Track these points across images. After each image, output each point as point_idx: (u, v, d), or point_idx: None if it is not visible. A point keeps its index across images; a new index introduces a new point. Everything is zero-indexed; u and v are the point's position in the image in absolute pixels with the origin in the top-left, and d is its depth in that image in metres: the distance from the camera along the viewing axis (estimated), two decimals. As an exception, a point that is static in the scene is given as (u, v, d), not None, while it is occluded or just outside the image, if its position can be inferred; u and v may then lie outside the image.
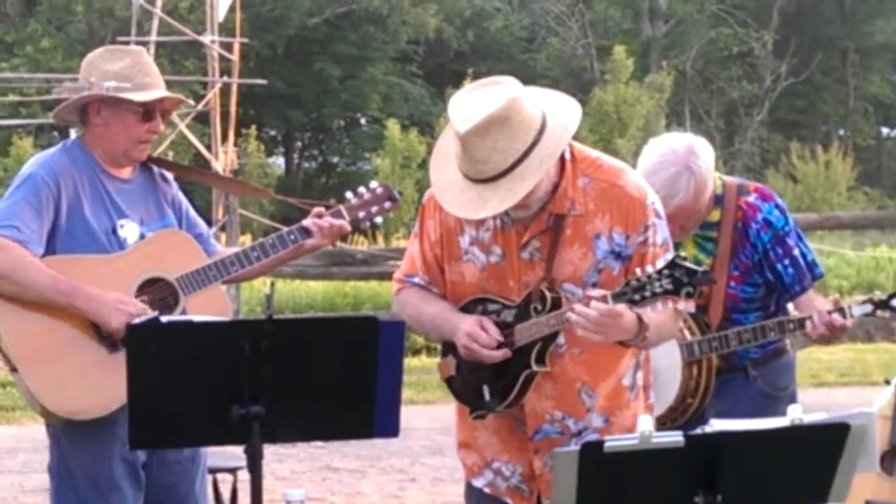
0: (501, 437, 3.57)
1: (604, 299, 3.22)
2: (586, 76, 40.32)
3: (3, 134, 31.52)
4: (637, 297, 3.21)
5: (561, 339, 3.43)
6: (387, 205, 4.27)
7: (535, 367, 3.41)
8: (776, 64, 41.63)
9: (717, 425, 2.90)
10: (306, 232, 4.14)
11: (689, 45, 41.59)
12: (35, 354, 3.87)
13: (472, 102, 3.30)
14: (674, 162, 4.05)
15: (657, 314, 3.35)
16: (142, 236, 4.06)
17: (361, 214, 4.24)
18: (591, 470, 2.69)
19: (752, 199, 4.21)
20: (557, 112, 3.37)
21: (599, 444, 2.71)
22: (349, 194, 4.26)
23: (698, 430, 2.90)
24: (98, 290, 3.88)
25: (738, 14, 41.35)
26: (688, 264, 3.20)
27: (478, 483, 3.66)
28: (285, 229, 4.17)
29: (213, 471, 5.20)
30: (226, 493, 5.45)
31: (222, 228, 16.55)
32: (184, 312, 3.97)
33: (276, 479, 7.89)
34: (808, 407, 2.94)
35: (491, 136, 3.23)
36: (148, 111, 4.07)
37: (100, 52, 4.16)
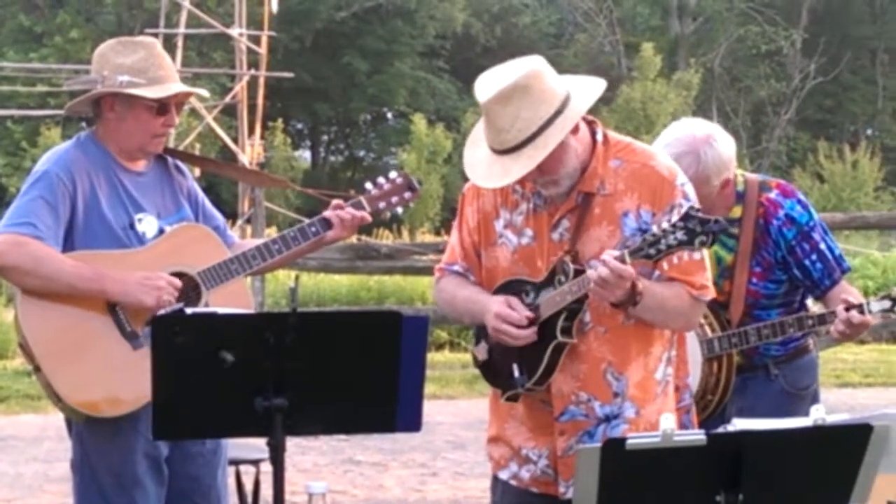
0: (529, 424, 3.57)
1: (621, 257, 3.25)
2: (613, 73, 40.23)
3: (31, 124, 31.71)
4: (653, 251, 3.23)
5: (587, 317, 3.44)
6: (407, 195, 4.25)
7: (560, 338, 3.41)
8: (804, 63, 41.48)
9: (739, 424, 2.90)
10: (327, 224, 4.12)
11: (718, 43, 41.48)
12: (58, 354, 3.86)
13: (496, 75, 3.40)
14: (686, 143, 4.06)
15: (663, 288, 3.39)
16: (160, 230, 4.04)
17: (382, 205, 4.22)
18: (612, 467, 2.69)
19: (773, 195, 4.20)
20: (580, 88, 3.44)
21: (622, 441, 2.71)
22: (369, 185, 4.24)
23: (720, 429, 2.90)
24: (122, 273, 3.86)
25: (767, 12, 41.20)
26: (701, 214, 3.20)
27: (503, 475, 3.66)
28: (306, 221, 4.15)
29: (236, 462, 5.22)
30: (248, 485, 5.47)
31: (248, 221, 16.61)
32: (207, 306, 3.95)
33: (298, 472, 7.91)
34: (831, 407, 2.94)
35: (513, 105, 3.31)
36: (162, 105, 4.02)
37: (112, 45, 4.08)
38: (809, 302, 4.32)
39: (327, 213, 4.13)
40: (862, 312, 4.03)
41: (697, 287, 3.45)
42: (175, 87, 4.03)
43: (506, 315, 3.45)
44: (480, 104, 3.37)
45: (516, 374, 3.49)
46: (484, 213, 3.61)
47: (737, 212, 4.19)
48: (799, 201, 4.21)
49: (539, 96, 3.32)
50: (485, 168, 3.43)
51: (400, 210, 4.27)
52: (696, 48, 41.97)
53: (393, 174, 4.27)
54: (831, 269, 4.19)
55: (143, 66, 3.99)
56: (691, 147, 4.07)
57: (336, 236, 4.15)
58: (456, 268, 3.70)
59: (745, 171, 4.29)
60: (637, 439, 2.72)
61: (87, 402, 3.87)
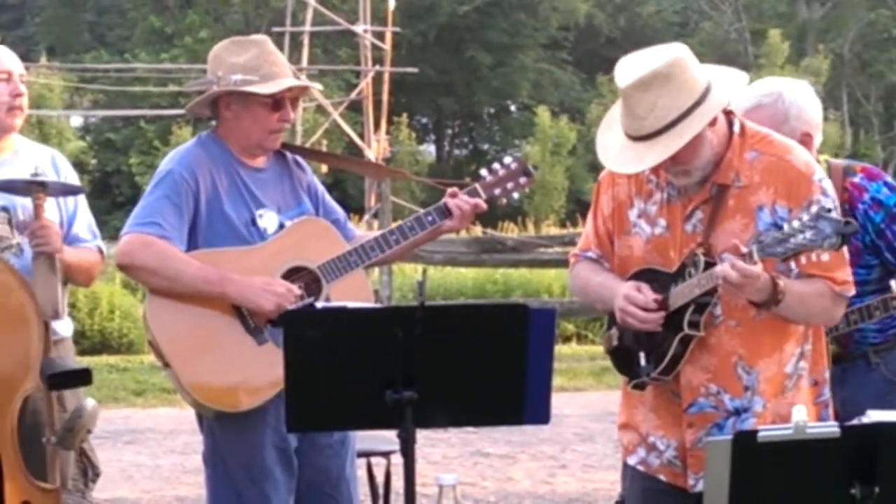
0: (658, 412, 3.56)
1: (750, 254, 3.21)
2: (740, 61, 39.61)
3: (163, 124, 32.39)
4: (780, 249, 3.16)
5: (718, 311, 3.41)
6: (522, 180, 4.25)
7: (687, 331, 3.39)
8: (938, 45, 40.41)
9: (873, 416, 2.85)
10: (443, 212, 4.13)
11: (847, 28, 40.61)
12: (187, 351, 3.93)
13: (638, 60, 3.36)
14: (771, 84, 4.11)
15: (804, 285, 3.35)
16: (281, 225, 4.08)
17: (497, 191, 4.22)
18: (744, 459, 2.67)
19: (857, 179, 4.10)
20: (722, 79, 3.40)
21: (753, 433, 2.69)
22: (484, 172, 4.25)
23: (855, 421, 2.85)
24: (244, 276, 3.92)
25: (898, -6, 40.22)
26: (832, 216, 3.11)
27: (631, 461, 3.65)
28: (422, 211, 4.16)
29: (368, 454, 5.28)
30: (379, 477, 5.52)
31: (374, 216, 16.75)
32: (328, 299, 3.99)
33: (428, 464, 7.96)
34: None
35: (652, 92, 3.27)
36: (277, 101, 4.06)
37: (225, 45, 4.15)
38: (894, 284, 4.20)
39: (444, 202, 4.14)
40: None
41: (839, 283, 3.40)
42: (287, 81, 4.07)
43: (633, 297, 3.43)
44: (619, 88, 3.33)
45: (643, 362, 3.49)
46: (619, 201, 3.59)
47: None
48: (885, 183, 4.11)
49: (679, 85, 3.28)
50: (617, 152, 3.39)
51: (516, 196, 4.27)
52: (824, 33, 41.14)
53: (508, 160, 4.27)
54: None
55: (256, 63, 4.04)
56: (775, 87, 4.08)
57: (452, 226, 4.16)
58: (590, 254, 3.70)
59: (827, 157, 4.21)
60: (769, 432, 2.69)
61: (215, 397, 3.94)
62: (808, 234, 3.13)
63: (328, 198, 4.34)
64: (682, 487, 3.52)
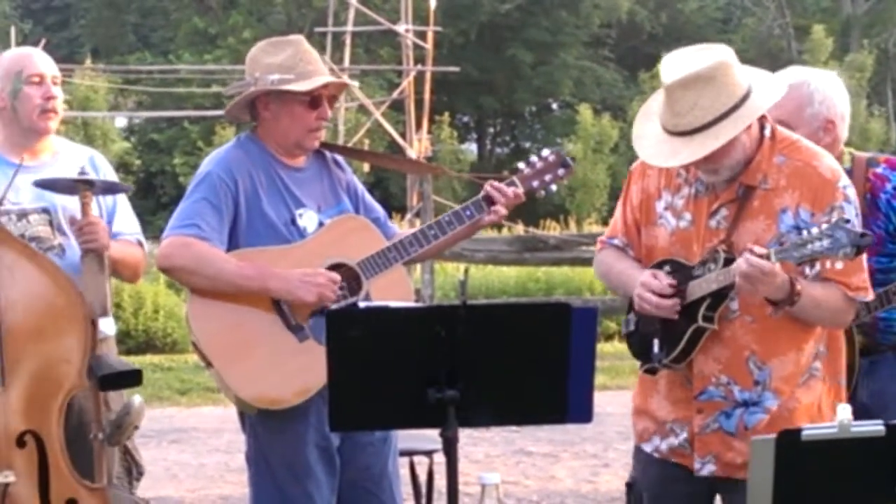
0: (672, 398, 3.66)
1: (766, 256, 3.29)
2: (784, 57, 39.33)
3: (207, 124, 32.56)
4: (797, 254, 3.26)
5: (734, 306, 3.50)
6: (560, 172, 4.23)
7: (701, 323, 3.48)
8: None
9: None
10: (481, 207, 4.12)
11: (892, 23, 40.26)
12: (229, 350, 3.95)
13: (684, 58, 3.46)
14: (801, 71, 4.11)
15: (820, 288, 3.43)
16: (320, 224, 4.09)
17: (535, 183, 4.21)
18: (788, 458, 2.66)
19: (880, 169, 4.14)
20: (763, 86, 3.48)
21: (797, 431, 2.68)
22: (522, 164, 4.24)
23: (900, 420, 2.83)
24: (283, 270, 3.93)
25: (944, -12, 39.83)
26: (849, 227, 3.22)
27: (647, 448, 3.76)
28: (460, 206, 4.16)
29: (410, 453, 5.29)
30: (422, 476, 5.54)
31: (416, 215, 16.77)
32: (367, 296, 4.00)
33: (470, 462, 7.97)
34: None
35: (694, 91, 3.36)
36: (314, 99, 4.08)
37: (262, 46, 4.17)
38: None
39: (484, 190, 4.14)
40: None
41: (853, 288, 3.48)
42: (322, 78, 4.08)
43: (649, 283, 3.54)
44: (663, 84, 3.44)
45: (655, 348, 3.60)
46: (647, 192, 3.70)
47: None
48: None
49: (721, 88, 3.37)
50: (653, 144, 3.50)
51: (554, 188, 4.25)
52: (869, 28, 40.79)
53: (545, 152, 4.26)
54: None
55: (292, 62, 4.06)
56: (803, 73, 4.11)
57: (492, 219, 4.15)
58: (616, 241, 3.81)
59: (852, 150, 4.20)
60: (813, 430, 2.69)
61: (258, 395, 3.96)
62: (825, 243, 3.23)
63: (368, 196, 4.36)
64: (689, 468, 3.61)
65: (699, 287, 3.48)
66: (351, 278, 4.04)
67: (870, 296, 3.54)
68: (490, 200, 4.13)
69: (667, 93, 3.43)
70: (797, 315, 3.45)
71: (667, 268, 3.58)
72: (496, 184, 4.15)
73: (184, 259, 3.95)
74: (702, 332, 3.51)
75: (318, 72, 4.10)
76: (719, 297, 3.46)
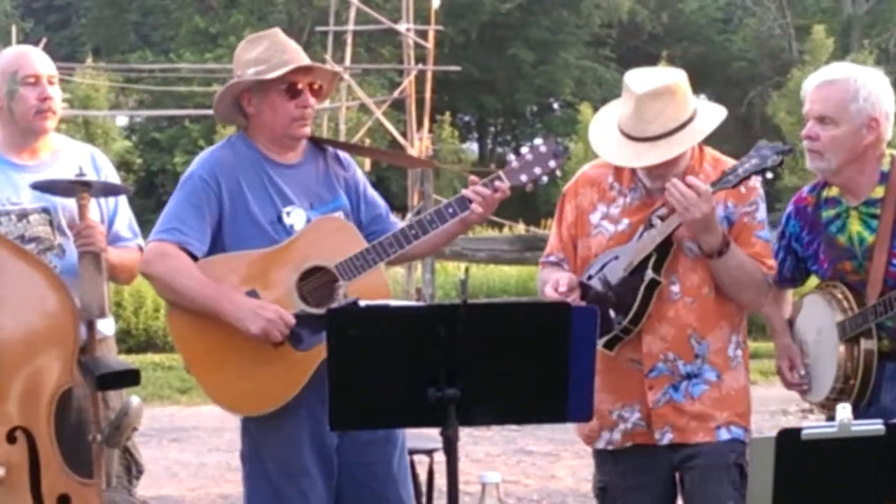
0: (611, 387, 3.92)
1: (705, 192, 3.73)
2: (784, 57, 39.39)
3: (208, 123, 32.58)
4: (732, 177, 3.77)
5: (676, 288, 3.88)
6: (551, 163, 4.11)
7: (651, 274, 3.82)
8: None
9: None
10: (464, 204, 4.03)
11: (893, 22, 40.24)
12: (203, 358, 3.97)
13: (648, 74, 3.91)
14: (847, 67, 4.12)
15: (743, 255, 3.87)
16: (309, 221, 4.05)
17: (523, 177, 4.09)
18: (788, 457, 2.66)
19: None
20: (704, 107, 3.93)
21: (797, 431, 2.68)
22: (511, 156, 4.12)
23: (900, 419, 2.84)
24: (241, 296, 3.91)
25: (946, -12, 39.80)
26: (770, 143, 3.79)
27: (599, 446, 4.03)
28: (443, 203, 4.08)
29: (411, 452, 5.26)
30: (422, 475, 5.53)
31: (417, 214, 16.75)
32: (346, 298, 3.91)
33: (471, 461, 7.97)
34: None
35: (662, 101, 3.80)
36: (292, 88, 4.05)
37: (241, 45, 4.16)
38: None
39: (465, 192, 4.04)
40: None
41: (768, 266, 3.95)
42: (292, 64, 4.02)
43: (556, 283, 3.86)
44: (633, 95, 3.82)
45: (612, 315, 3.85)
46: (581, 209, 4.04)
47: (879, 192, 4.07)
48: None
49: (682, 101, 3.84)
50: (615, 149, 3.89)
51: (545, 180, 4.14)
52: (870, 29, 40.77)
53: (538, 141, 4.14)
54: None
55: (267, 55, 4.05)
56: (851, 69, 4.11)
57: (479, 216, 4.06)
58: (552, 258, 4.12)
59: (893, 151, 4.17)
60: (813, 430, 2.69)
61: (233, 402, 4.00)
62: (754, 161, 3.77)
63: (371, 192, 4.31)
64: (648, 443, 3.93)
65: (643, 248, 3.85)
66: (330, 281, 3.99)
67: (773, 271, 3.96)
68: (469, 200, 4.04)
69: (637, 102, 3.81)
70: (724, 276, 3.85)
71: (609, 257, 3.92)
72: (475, 186, 4.04)
73: (157, 269, 3.97)
74: (653, 287, 3.84)
75: (293, 60, 4.05)
76: (663, 252, 3.83)
